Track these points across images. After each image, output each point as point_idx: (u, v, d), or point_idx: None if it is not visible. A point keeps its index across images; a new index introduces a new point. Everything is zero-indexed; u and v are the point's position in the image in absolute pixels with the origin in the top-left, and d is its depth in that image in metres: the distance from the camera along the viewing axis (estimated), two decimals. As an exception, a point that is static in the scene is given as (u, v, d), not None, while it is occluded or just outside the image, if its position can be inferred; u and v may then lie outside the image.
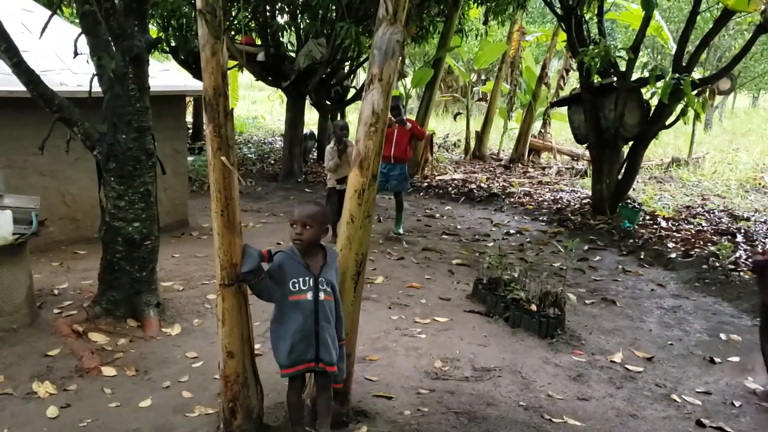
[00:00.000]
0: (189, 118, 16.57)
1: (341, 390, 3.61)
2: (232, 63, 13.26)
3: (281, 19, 12.48)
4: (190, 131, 16.36)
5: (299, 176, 12.82)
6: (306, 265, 3.23)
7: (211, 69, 3.12)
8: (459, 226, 9.57)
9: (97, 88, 5.04)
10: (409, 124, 8.24)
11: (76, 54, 5.13)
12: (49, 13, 5.40)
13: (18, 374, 4.25)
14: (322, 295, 3.20)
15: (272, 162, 14.90)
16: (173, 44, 13.05)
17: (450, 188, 12.48)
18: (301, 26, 12.25)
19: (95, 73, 5.03)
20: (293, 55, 12.73)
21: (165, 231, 7.02)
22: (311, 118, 17.74)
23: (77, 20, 5.34)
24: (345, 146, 7.47)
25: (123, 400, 4.00)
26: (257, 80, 13.33)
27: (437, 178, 13.52)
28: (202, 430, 3.66)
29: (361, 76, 19.42)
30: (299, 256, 3.24)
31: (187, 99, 12.76)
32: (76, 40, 5.10)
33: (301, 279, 3.19)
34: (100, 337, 4.87)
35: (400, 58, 4.19)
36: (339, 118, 10.13)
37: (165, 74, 8.07)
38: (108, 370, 4.36)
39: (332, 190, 7.73)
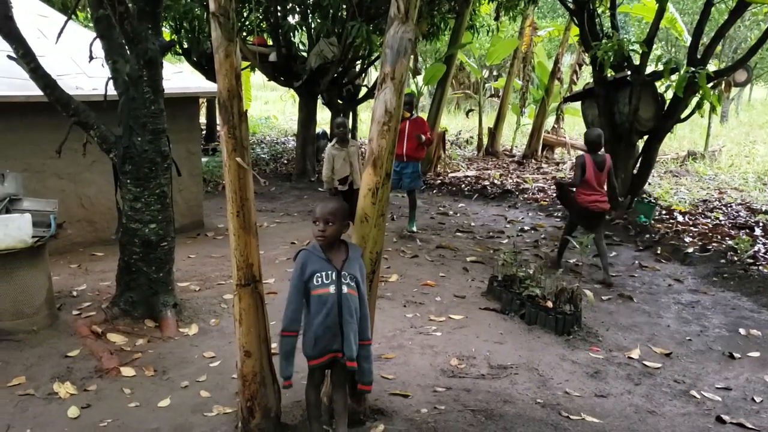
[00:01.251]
0: (202, 120, 16.66)
1: (365, 391, 3.59)
2: (244, 64, 13.32)
3: (292, 20, 12.51)
4: (204, 132, 16.45)
5: (312, 175, 12.85)
6: (328, 260, 3.25)
7: (224, 71, 3.14)
8: (473, 224, 9.56)
9: (112, 91, 5.09)
10: (423, 137, 8.17)
11: (91, 58, 5.17)
12: (65, 18, 5.45)
13: (39, 375, 4.31)
14: (345, 289, 3.21)
15: (285, 162, 14.95)
16: (186, 46, 13.13)
17: (463, 185, 12.46)
18: (313, 26, 12.28)
19: (110, 76, 5.08)
20: (305, 54, 12.76)
21: (180, 232, 7.08)
22: (323, 118, 17.78)
23: (92, 24, 5.38)
24: (347, 144, 7.48)
25: (142, 400, 4.04)
26: (269, 80, 13.38)
27: (450, 175, 13.51)
28: (220, 430, 3.69)
29: (373, 74, 19.43)
30: (321, 252, 3.26)
31: (201, 100, 12.82)
32: (91, 44, 5.14)
33: (324, 273, 3.21)
34: (119, 338, 4.92)
35: (412, 55, 4.19)
36: (340, 116, 10.14)
37: (178, 76, 8.11)
38: (127, 371, 4.41)
39: (335, 191, 7.65)
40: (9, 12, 4.66)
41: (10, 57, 4.82)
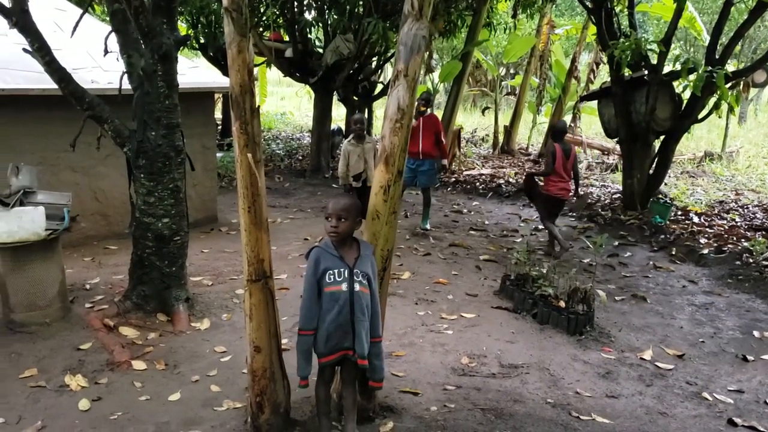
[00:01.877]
0: (218, 114, 16.72)
1: (377, 387, 3.57)
2: (260, 59, 13.36)
3: (309, 15, 12.52)
4: (219, 127, 16.51)
5: (326, 172, 12.86)
6: (341, 257, 3.24)
7: (237, 66, 3.14)
8: (486, 222, 9.52)
9: (127, 85, 5.11)
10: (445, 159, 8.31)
11: (106, 52, 5.20)
12: (81, 11, 5.48)
13: (51, 367, 4.34)
14: (357, 287, 3.20)
15: (300, 158, 14.97)
16: (202, 41, 13.18)
17: (478, 183, 12.42)
18: (329, 22, 12.28)
19: (125, 70, 5.10)
20: (321, 51, 12.77)
21: (194, 227, 7.10)
22: (339, 114, 17.77)
23: (108, 18, 5.41)
24: (363, 140, 7.49)
25: (153, 394, 4.06)
26: (285, 76, 13.40)
27: (465, 173, 13.47)
28: (230, 424, 3.69)
29: (389, 71, 19.39)
30: (334, 249, 3.26)
31: (216, 95, 12.86)
32: (106, 39, 5.17)
33: (336, 270, 3.20)
34: (131, 332, 4.94)
35: (427, 53, 4.17)
36: (356, 113, 10.13)
37: (193, 71, 8.14)
38: (138, 364, 4.43)
39: (350, 188, 7.64)
40: (25, 5, 4.69)
41: (25, 50, 4.86)
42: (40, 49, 4.79)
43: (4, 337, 4.78)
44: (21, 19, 4.68)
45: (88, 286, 5.88)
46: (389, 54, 12.94)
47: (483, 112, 22.05)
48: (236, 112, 3.19)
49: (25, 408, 3.84)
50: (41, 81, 5.74)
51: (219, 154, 11.69)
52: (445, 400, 4.05)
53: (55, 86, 4.99)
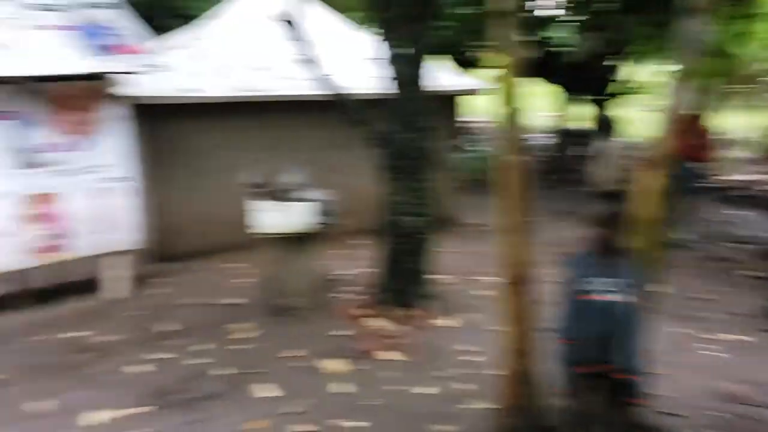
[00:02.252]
0: (460, 116, 17.00)
1: (635, 404, 3.38)
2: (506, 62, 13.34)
3: (554, 13, 12.22)
4: (460, 128, 16.77)
5: (568, 174, 12.47)
6: (600, 266, 3.11)
7: (504, 70, 3.18)
8: (752, 234, 8.54)
9: (384, 90, 5.37)
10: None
11: (368, 60, 5.53)
12: (343, 23, 5.89)
13: (307, 351, 4.73)
14: (616, 297, 3.05)
15: (540, 159, 14.66)
16: (450, 45, 13.49)
17: (741, 191, 11.22)
18: (575, 20, 11.88)
19: (386, 76, 5.37)
20: (565, 49, 12.41)
21: (435, 226, 7.30)
22: (580, 114, 17.17)
23: (367, 28, 5.76)
24: (617, 142, 7.13)
25: (401, 384, 4.23)
26: (530, 77, 13.24)
27: (726, 179, 12.24)
28: (479, 425, 3.70)
29: (635, 70, 18.29)
30: (593, 257, 3.14)
31: (460, 97, 13.11)
32: (368, 47, 5.49)
33: (593, 279, 3.08)
34: (380, 323, 5.23)
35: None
36: (606, 112, 9.61)
37: (439, 74, 8.34)
38: (386, 355, 4.66)
39: (607, 193, 7.29)
40: (298, 20, 5.17)
41: (300, 60, 5.33)
42: (310, 59, 5.26)
43: (270, 318, 5.34)
44: (294, 33, 5.18)
45: (341, 278, 6.31)
46: (638, 51, 12.19)
47: (747, 111, 19.88)
48: (498, 116, 3.24)
49: (281, 384, 4.21)
50: (309, 88, 6.26)
51: (459, 155, 11.89)
52: (715, 427, 3.71)
53: (323, 92, 5.43)
